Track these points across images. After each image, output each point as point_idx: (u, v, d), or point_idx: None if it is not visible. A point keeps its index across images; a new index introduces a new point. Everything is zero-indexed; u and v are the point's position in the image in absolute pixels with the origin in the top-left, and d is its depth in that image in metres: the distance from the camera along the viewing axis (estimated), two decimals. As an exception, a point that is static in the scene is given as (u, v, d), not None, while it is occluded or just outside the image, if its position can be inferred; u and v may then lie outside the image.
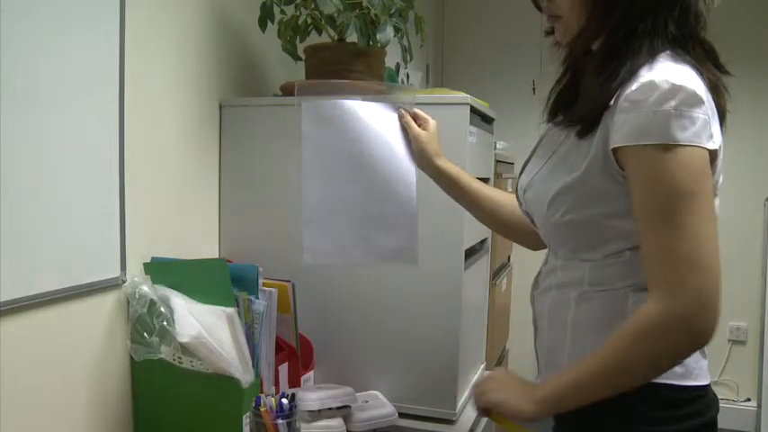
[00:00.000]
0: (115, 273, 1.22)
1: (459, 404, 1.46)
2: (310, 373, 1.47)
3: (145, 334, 1.18)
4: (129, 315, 1.23)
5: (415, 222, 1.21)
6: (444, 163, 1.23)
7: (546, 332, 1.00)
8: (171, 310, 1.17)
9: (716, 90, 0.86)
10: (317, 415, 1.28)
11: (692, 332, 0.80)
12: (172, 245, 1.39)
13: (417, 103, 1.39)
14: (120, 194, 1.22)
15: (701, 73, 0.84)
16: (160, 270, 1.26)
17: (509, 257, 2.65)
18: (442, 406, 1.43)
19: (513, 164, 2.63)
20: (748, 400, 3.42)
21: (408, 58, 1.60)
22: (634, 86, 0.81)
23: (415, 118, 1.24)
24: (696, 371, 0.90)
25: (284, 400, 1.12)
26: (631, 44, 0.86)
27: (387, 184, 1.23)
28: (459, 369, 1.43)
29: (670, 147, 0.78)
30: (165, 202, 1.39)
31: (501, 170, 2.32)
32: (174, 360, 1.17)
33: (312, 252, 1.18)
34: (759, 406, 3.28)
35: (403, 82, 2.36)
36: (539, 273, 1.03)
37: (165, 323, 1.16)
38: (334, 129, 1.20)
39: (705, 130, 0.79)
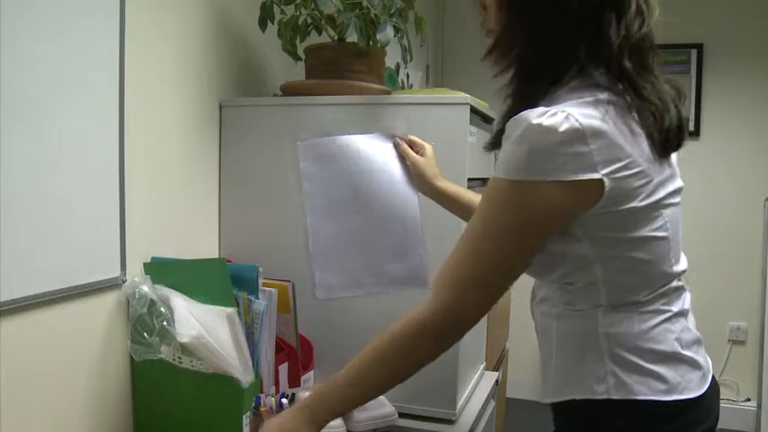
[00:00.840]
0: (115, 273, 1.22)
1: (459, 404, 1.46)
2: (310, 373, 1.47)
3: (145, 334, 1.18)
4: (129, 315, 1.23)
5: (423, 246, 1.27)
6: (444, 184, 1.28)
7: (540, 343, 1.02)
8: (171, 310, 1.17)
9: (639, 112, 0.86)
10: (317, 415, 1.28)
11: (448, 340, 0.91)
12: (172, 245, 1.39)
13: (417, 103, 1.40)
14: (120, 194, 1.23)
15: (613, 98, 0.84)
16: (160, 270, 1.26)
17: (509, 257, 2.64)
18: (441, 406, 1.43)
19: (513, 164, 2.62)
20: (748, 400, 3.43)
21: (408, 58, 1.60)
22: (512, 119, 0.83)
23: (412, 145, 1.30)
24: (683, 384, 0.89)
25: (284, 400, 1.12)
26: (542, 67, 0.89)
27: (390, 212, 1.26)
28: (459, 369, 1.43)
29: (514, 182, 0.83)
30: (165, 202, 1.39)
31: (501, 170, 2.32)
32: (174, 360, 1.18)
33: (325, 287, 1.20)
34: (759, 406, 3.28)
35: (403, 82, 2.36)
36: (534, 284, 1.04)
37: (165, 323, 1.16)
38: (333, 164, 1.25)
39: (572, 164, 0.80)
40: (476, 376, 1.69)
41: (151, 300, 1.18)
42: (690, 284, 0.98)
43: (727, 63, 3.36)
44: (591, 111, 0.81)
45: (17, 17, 0.99)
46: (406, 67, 2.07)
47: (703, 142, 3.43)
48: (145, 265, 1.28)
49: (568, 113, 0.80)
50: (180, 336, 1.14)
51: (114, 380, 1.25)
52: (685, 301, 0.95)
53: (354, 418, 1.32)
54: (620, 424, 0.89)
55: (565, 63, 0.87)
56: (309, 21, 1.51)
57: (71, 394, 1.15)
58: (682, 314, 0.93)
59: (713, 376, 0.95)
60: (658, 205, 0.87)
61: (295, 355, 1.40)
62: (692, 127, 3.41)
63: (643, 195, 0.85)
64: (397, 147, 1.29)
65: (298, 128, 1.48)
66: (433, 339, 0.90)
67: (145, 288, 1.20)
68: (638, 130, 0.85)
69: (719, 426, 0.94)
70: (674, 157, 0.94)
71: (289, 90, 1.53)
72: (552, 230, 0.86)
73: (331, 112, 1.45)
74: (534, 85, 0.89)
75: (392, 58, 1.70)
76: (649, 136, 0.85)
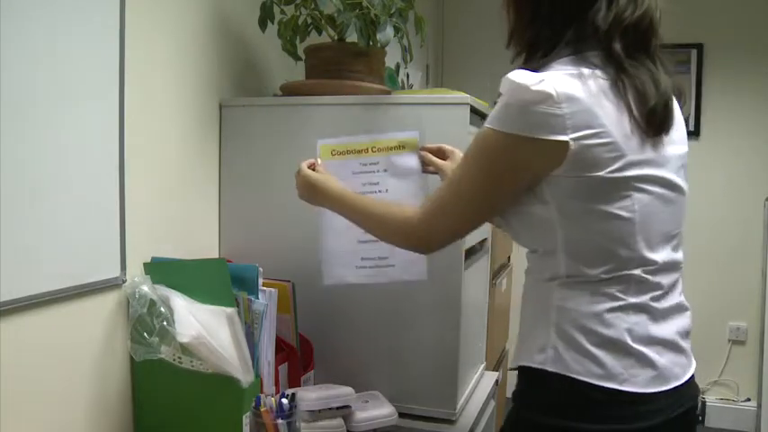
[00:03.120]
0: (115, 273, 1.22)
1: (459, 404, 1.46)
2: (310, 373, 1.47)
3: (145, 334, 1.18)
4: (129, 315, 1.23)
5: None
6: None
7: None
8: (171, 310, 1.17)
9: (622, 88, 0.90)
10: (317, 415, 1.28)
11: (412, 245, 1.11)
12: (172, 245, 1.39)
13: (417, 103, 1.40)
14: (120, 194, 1.22)
15: (600, 74, 0.90)
16: (160, 270, 1.26)
17: (509, 258, 2.65)
18: (442, 406, 1.43)
19: (513, 164, 2.62)
20: (748, 400, 3.42)
21: (408, 58, 1.60)
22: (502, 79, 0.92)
23: (440, 153, 1.31)
24: (623, 376, 0.90)
25: (284, 400, 1.12)
26: (535, 48, 0.98)
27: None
28: (459, 369, 1.43)
29: (492, 129, 0.92)
30: (165, 202, 1.39)
31: (501, 170, 2.32)
32: (174, 360, 1.17)
33: (330, 275, 1.35)
34: (759, 406, 3.28)
35: (403, 82, 2.35)
36: None
37: (165, 323, 1.16)
38: (351, 177, 1.33)
39: (542, 123, 0.87)
40: (476, 376, 1.69)
41: (151, 300, 1.18)
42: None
43: (727, 63, 3.36)
44: (571, 80, 0.89)
45: (17, 19, 0.99)
46: (406, 67, 2.07)
47: (703, 142, 3.42)
48: (145, 265, 1.28)
49: (545, 78, 0.88)
50: (180, 336, 1.14)
51: (114, 380, 1.25)
52: (653, 298, 0.94)
53: (354, 418, 1.32)
54: (555, 399, 0.93)
55: (551, 43, 0.95)
56: (309, 21, 1.51)
57: (71, 394, 1.15)
58: (641, 308, 0.93)
59: (687, 388, 0.95)
60: (628, 185, 0.90)
61: (295, 355, 1.40)
62: (692, 127, 3.41)
63: (611, 168, 0.88)
64: (422, 158, 1.33)
65: (298, 128, 1.48)
66: (403, 234, 1.09)
67: (145, 288, 1.20)
68: (621, 105, 0.89)
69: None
70: (674, 151, 0.96)
71: (289, 90, 1.53)
72: (517, 184, 0.94)
73: (331, 112, 1.46)
74: (528, 63, 0.97)
75: (392, 58, 1.70)
76: (630, 112, 0.89)
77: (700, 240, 3.33)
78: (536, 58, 0.96)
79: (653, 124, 0.91)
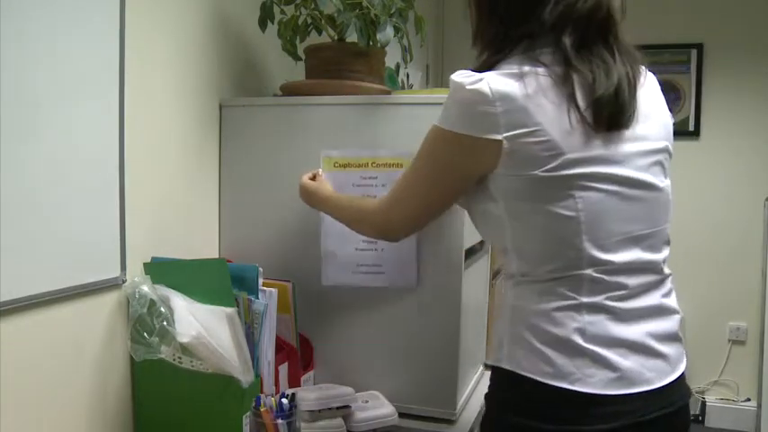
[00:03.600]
0: (115, 273, 1.22)
1: (459, 404, 1.46)
2: (310, 373, 1.47)
3: (145, 334, 1.18)
4: (129, 315, 1.23)
5: (413, 249, 1.38)
6: None
7: None
8: (171, 310, 1.17)
9: (566, 83, 0.89)
10: (317, 415, 1.28)
11: (374, 233, 1.20)
12: (172, 245, 1.39)
13: (417, 103, 1.40)
14: (120, 194, 1.22)
15: (542, 70, 0.90)
16: (160, 270, 1.26)
17: (509, 257, 2.64)
18: (442, 406, 1.43)
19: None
20: (748, 400, 3.42)
21: (408, 58, 1.60)
22: None
23: None
24: (575, 375, 0.87)
25: (284, 400, 1.12)
26: (494, 46, 0.99)
27: None
28: (459, 369, 1.43)
29: (436, 126, 0.97)
30: (165, 202, 1.39)
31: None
32: (174, 360, 1.17)
33: (328, 277, 1.45)
34: (759, 406, 3.28)
35: (403, 82, 2.35)
36: None
37: (165, 323, 1.16)
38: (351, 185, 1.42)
39: (476, 122, 0.90)
40: (476, 376, 1.69)
41: (151, 300, 1.18)
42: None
43: (727, 63, 3.36)
44: (508, 79, 0.89)
45: (17, 19, 0.99)
46: (406, 67, 2.07)
47: (703, 142, 3.43)
48: (145, 265, 1.28)
49: (483, 77, 0.90)
50: (180, 336, 1.14)
51: (114, 380, 1.25)
52: (613, 297, 0.90)
53: (354, 418, 1.32)
54: (510, 396, 0.94)
55: (507, 41, 0.96)
56: (309, 21, 1.51)
57: (71, 394, 1.15)
58: (598, 308, 0.90)
59: (667, 393, 0.91)
60: (570, 183, 0.88)
61: (295, 355, 1.40)
62: (692, 127, 3.42)
63: (547, 166, 0.87)
64: None
65: (298, 128, 1.48)
66: (366, 224, 1.19)
67: (145, 288, 1.20)
68: (563, 103, 0.88)
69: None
70: (638, 147, 0.92)
71: (289, 90, 1.53)
72: (461, 180, 0.97)
73: (331, 112, 1.46)
74: (487, 62, 0.98)
75: (392, 58, 1.70)
76: (576, 108, 0.88)
77: (700, 240, 3.33)
78: (492, 57, 0.97)
79: (600, 120, 0.88)
